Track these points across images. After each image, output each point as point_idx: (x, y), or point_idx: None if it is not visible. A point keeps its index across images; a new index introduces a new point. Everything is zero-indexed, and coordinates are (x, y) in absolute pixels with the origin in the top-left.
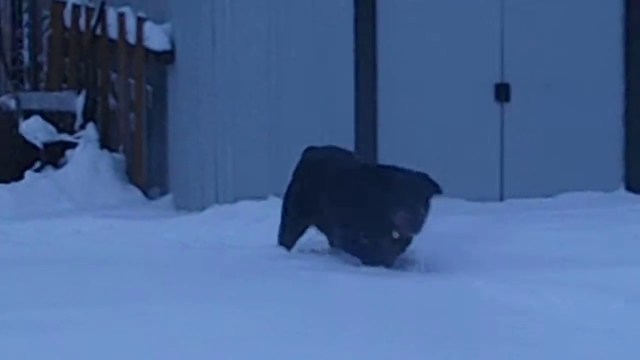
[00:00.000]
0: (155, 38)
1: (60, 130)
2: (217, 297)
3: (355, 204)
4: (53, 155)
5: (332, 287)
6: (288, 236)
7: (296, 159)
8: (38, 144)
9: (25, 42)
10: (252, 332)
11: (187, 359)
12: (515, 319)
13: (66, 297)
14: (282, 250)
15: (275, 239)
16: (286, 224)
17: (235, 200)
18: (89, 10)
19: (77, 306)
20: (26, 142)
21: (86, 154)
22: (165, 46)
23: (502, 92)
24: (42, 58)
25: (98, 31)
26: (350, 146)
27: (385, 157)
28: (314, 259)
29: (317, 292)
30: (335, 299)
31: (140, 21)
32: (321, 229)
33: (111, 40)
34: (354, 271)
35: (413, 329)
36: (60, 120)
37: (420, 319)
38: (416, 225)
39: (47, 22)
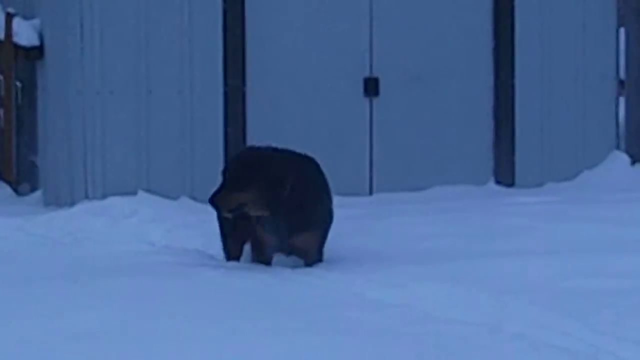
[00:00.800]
0: (24, 34)
1: None
2: (80, 295)
3: None
4: None
5: (200, 283)
6: None
7: (164, 155)
8: None
9: None
10: (108, 329)
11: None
12: (387, 313)
13: None
14: (148, 247)
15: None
16: None
17: (104, 196)
18: None
19: None
20: None
21: None
22: (34, 42)
23: (371, 87)
24: None
25: None
26: (218, 143)
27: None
28: (184, 255)
29: (181, 287)
30: (202, 295)
31: (9, 16)
32: None
33: None
34: (220, 267)
35: (278, 324)
36: None
37: (282, 313)
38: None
39: None
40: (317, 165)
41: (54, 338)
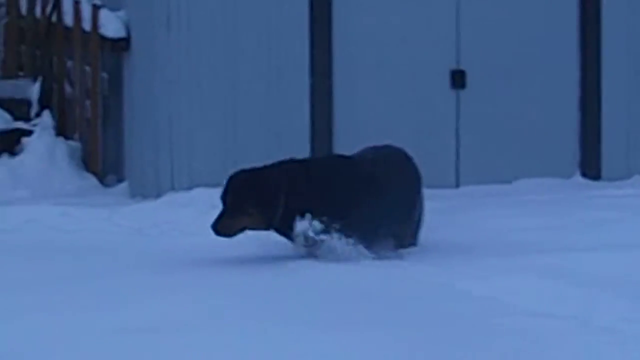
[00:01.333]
0: (111, 25)
1: (16, 118)
2: (178, 287)
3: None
4: (9, 143)
5: (288, 274)
6: None
7: (250, 146)
8: None
9: None
10: (188, 321)
11: (159, 346)
12: (475, 306)
13: (24, 283)
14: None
15: None
16: None
17: (190, 187)
18: None
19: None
20: None
21: (42, 141)
22: (121, 33)
23: (458, 79)
24: None
25: (54, 19)
26: (305, 136)
27: (341, 145)
28: (272, 246)
29: (268, 279)
30: (290, 287)
31: (95, 9)
32: None
33: (67, 28)
34: (307, 258)
35: (369, 316)
36: (16, 108)
37: (373, 305)
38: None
39: (3, 10)
40: (349, 166)
41: (128, 329)
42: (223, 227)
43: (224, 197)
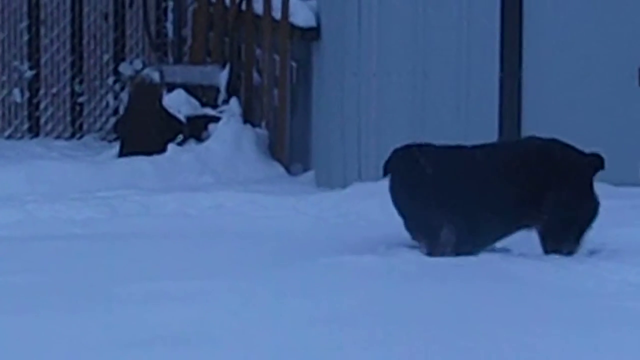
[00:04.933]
0: (301, 14)
1: (204, 105)
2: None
3: None
4: (196, 129)
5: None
6: None
7: (438, 138)
8: (181, 117)
9: (170, 15)
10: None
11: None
12: None
13: (212, 269)
14: None
15: None
16: None
17: (378, 178)
18: None
19: (219, 278)
20: (169, 116)
21: (229, 128)
22: (311, 23)
23: None
24: (187, 32)
25: (243, 6)
26: (492, 131)
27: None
28: None
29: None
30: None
31: None
32: None
33: (256, 16)
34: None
35: (547, 312)
36: (203, 94)
37: (554, 302)
38: None
39: None
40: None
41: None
42: None
43: None
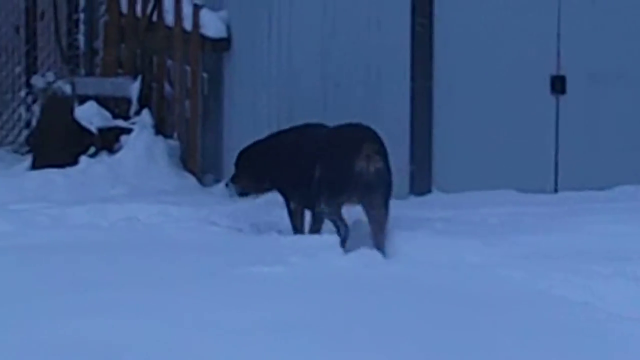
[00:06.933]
0: (212, 25)
1: (116, 116)
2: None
3: None
4: (108, 141)
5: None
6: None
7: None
8: (93, 129)
9: (82, 27)
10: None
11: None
12: (568, 311)
13: (121, 280)
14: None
15: None
16: None
17: None
18: None
19: (131, 289)
20: (81, 128)
21: (141, 140)
22: (222, 33)
23: (558, 85)
24: (98, 44)
25: (154, 18)
26: (405, 139)
27: (440, 147)
28: None
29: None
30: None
31: (196, 8)
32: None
33: (167, 27)
34: None
35: (463, 319)
36: (115, 105)
37: (467, 310)
38: None
39: (103, 7)
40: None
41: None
42: None
43: None
